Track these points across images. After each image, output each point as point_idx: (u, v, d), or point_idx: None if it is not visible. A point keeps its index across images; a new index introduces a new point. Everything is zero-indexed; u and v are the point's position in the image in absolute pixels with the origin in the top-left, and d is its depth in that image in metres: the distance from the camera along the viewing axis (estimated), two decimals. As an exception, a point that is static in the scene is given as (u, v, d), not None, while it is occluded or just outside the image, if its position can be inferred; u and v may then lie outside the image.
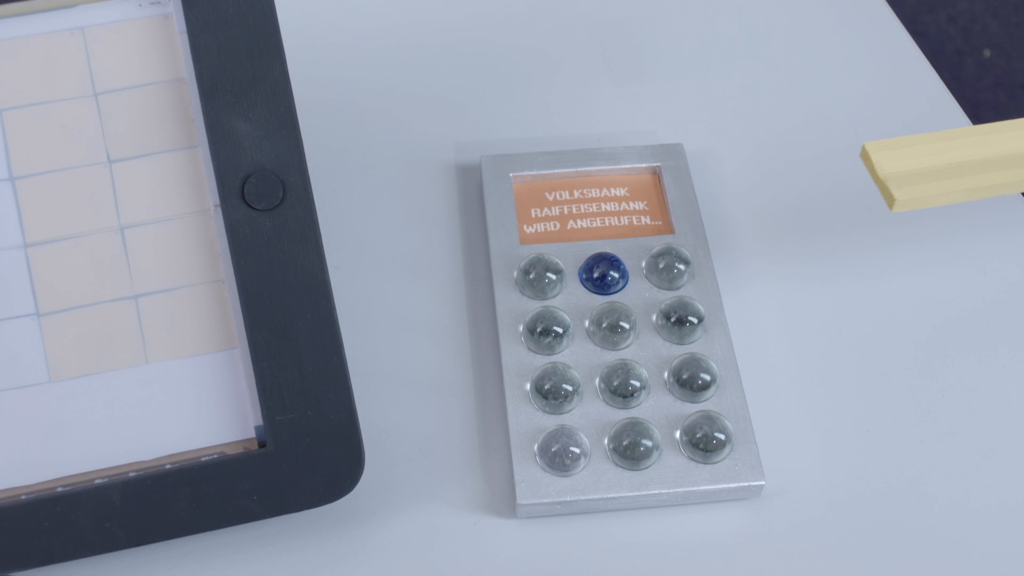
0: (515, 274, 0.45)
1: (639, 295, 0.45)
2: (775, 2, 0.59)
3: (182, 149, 0.40)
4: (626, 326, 0.43)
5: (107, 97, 0.40)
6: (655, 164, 0.49)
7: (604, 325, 0.43)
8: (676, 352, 0.43)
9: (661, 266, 0.45)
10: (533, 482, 0.40)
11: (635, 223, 0.48)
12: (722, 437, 0.40)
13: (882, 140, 0.43)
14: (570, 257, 0.46)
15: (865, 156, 0.43)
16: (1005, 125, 0.44)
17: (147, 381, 0.39)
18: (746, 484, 0.40)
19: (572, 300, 0.45)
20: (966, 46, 1.26)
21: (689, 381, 0.42)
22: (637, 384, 0.42)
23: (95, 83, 0.40)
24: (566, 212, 0.48)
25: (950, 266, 0.48)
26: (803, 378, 0.44)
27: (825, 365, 0.45)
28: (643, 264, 0.46)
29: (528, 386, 0.42)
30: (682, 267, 0.45)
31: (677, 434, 0.41)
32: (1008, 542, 0.40)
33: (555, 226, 0.47)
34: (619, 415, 0.42)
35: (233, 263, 0.39)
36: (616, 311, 0.44)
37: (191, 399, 0.39)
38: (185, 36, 0.40)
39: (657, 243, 0.46)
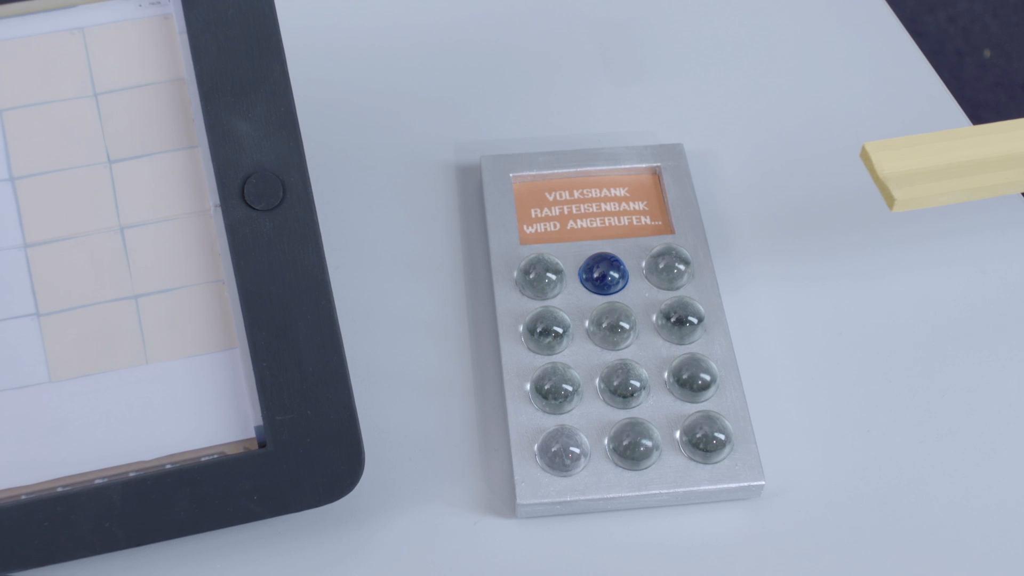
0: (515, 274, 0.45)
1: (639, 295, 0.45)
2: (775, 2, 0.59)
3: (182, 149, 0.40)
4: (626, 326, 0.43)
5: (107, 97, 0.40)
6: (655, 164, 0.49)
7: (604, 325, 0.43)
8: (676, 352, 0.43)
9: (661, 266, 0.45)
10: (533, 482, 0.40)
11: (635, 223, 0.48)
12: (722, 437, 0.40)
13: (882, 140, 0.43)
14: (570, 257, 0.46)
15: (865, 156, 0.43)
16: (1005, 125, 0.44)
17: (147, 381, 0.39)
18: (746, 484, 0.40)
19: (572, 300, 0.45)
20: (966, 46, 1.26)
21: (689, 381, 0.42)
22: (637, 384, 0.42)
23: (95, 83, 0.40)
24: (566, 212, 0.48)
25: (950, 266, 0.48)
26: (803, 378, 0.44)
27: (825, 365, 0.45)
28: (643, 264, 0.46)
29: (528, 386, 0.42)
30: (682, 267, 0.45)
31: (677, 434, 0.41)
32: (1008, 542, 0.40)
33: (555, 226, 0.47)
34: (619, 415, 0.42)
35: (233, 263, 0.39)
36: (616, 311, 0.44)
37: (191, 399, 0.39)
38: (185, 36, 0.40)
39: (657, 243, 0.46)
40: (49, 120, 0.39)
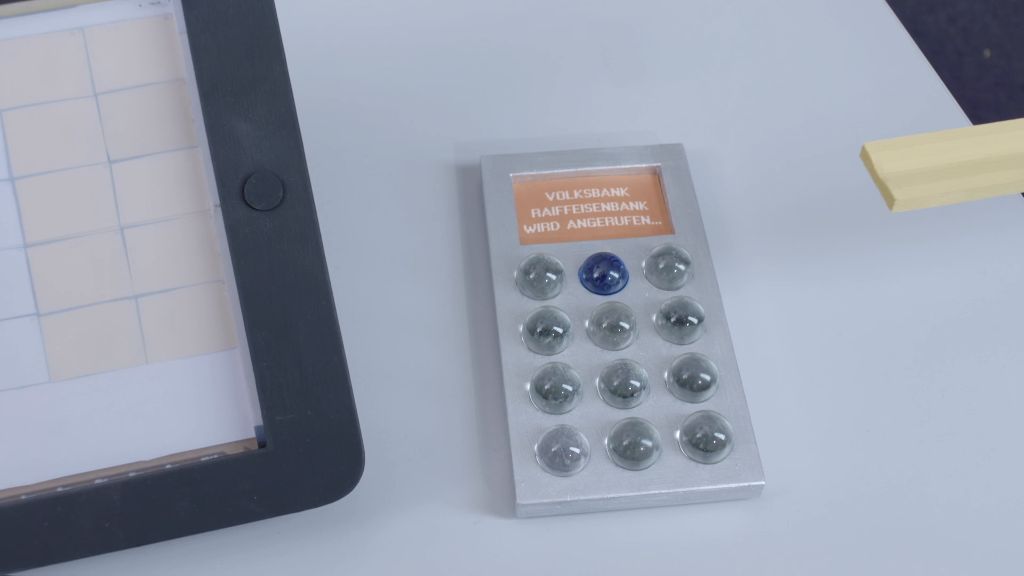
0: (515, 274, 0.45)
1: (639, 295, 0.45)
2: (775, 2, 0.59)
3: (182, 149, 0.40)
4: (626, 326, 0.43)
5: (107, 97, 0.40)
6: (655, 164, 0.49)
7: (604, 325, 0.43)
8: (676, 352, 0.43)
9: (661, 266, 0.45)
10: (533, 482, 0.40)
11: (635, 223, 0.48)
12: (722, 437, 0.40)
13: (882, 140, 0.43)
14: (570, 257, 0.46)
15: (865, 156, 0.43)
16: (1005, 125, 0.44)
17: (147, 381, 0.39)
18: (746, 484, 0.40)
19: (572, 300, 0.45)
20: (966, 46, 1.26)
21: (689, 381, 0.42)
22: (637, 384, 0.42)
23: (95, 83, 0.40)
24: (566, 212, 0.48)
25: (950, 266, 0.48)
26: (803, 378, 0.44)
27: (825, 365, 0.45)
28: (643, 264, 0.46)
29: (528, 386, 0.42)
30: (682, 267, 0.45)
31: (677, 434, 0.41)
32: (1008, 542, 0.40)
33: (555, 226, 0.47)
34: (619, 415, 0.42)
35: (233, 263, 0.39)
36: (616, 311, 0.44)
37: (191, 399, 0.39)
38: (185, 36, 0.40)
39: (657, 243, 0.46)
40: (49, 120, 0.39)
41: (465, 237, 0.49)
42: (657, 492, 0.40)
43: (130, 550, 0.39)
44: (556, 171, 0.49)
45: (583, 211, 0.48)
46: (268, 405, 0.38)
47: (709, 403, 0.42)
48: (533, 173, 0.49)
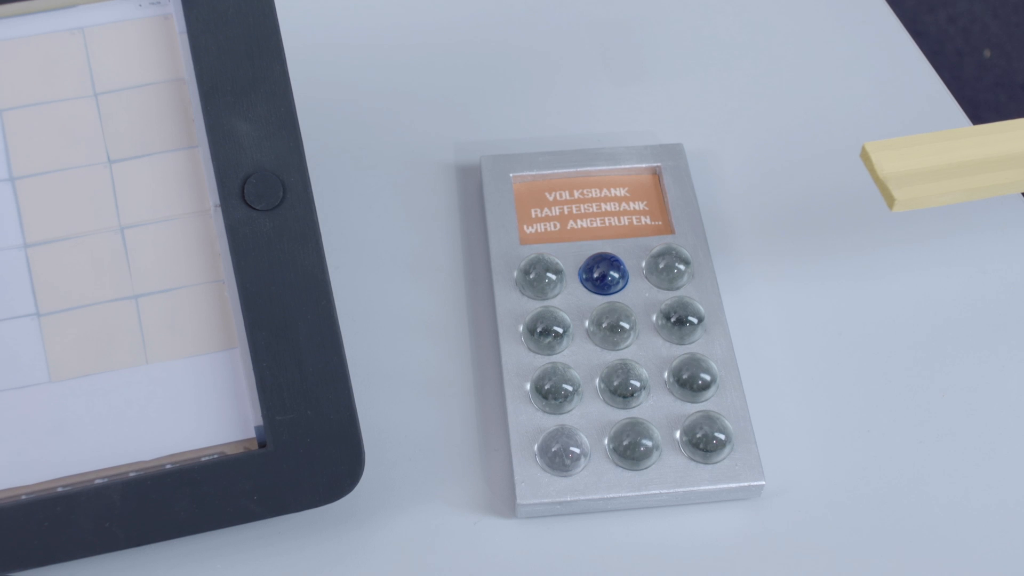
0: (515, 274, 0.45)
1: (639, 295, 0.45)
2: (775, 2, 0.59)
3: (182, 149, 0.40)
4: (626, 326, 0.43)
5: (107, 97, 0.40)
6: (655, 164, 0.49)
7: (604, 325, 0.43)
8: (676, 352, 0.43)
9: (661, 266, 0.45)
10: (533, 482, 0.40)
11: (635, 223, 0.48)
12: (722, 437, 0.40)
13: (882, 140, 0.43)
14: (570, 257, 0.46)
15: (865, 156, 0.43)
16: (1005, 125, 0.44)
17: (147, 381, 0.39)
18: (746, 484, 0.40)
19: (572, 300, 0.45)
20: (966, 46, 1.26)
21: (689, 381, 0.42)
22: (637, 384, 0.42)
23: (95, 83, 0.40)
24: (566, 212, 0.48)
25: (950, 266, 0.48)
26: (803, 378, 0.44)
27: (825, 365, 0.45)
28: (643, 264, 0.46)
29: (528, 386, 0.42)
30: (682, 267, 0.45)
31: (677, 434, 0.41)
32: (1008, 542, 0.40)
33: (555, 226, 0.47)
34: (619, 415, 0.42)
35: (233, 263, 0.39)
36: (616, 311, 0.44)
37: (191, 399, 0.39)
38: (185, 36, 0.40)
39: (657, 243, 0.46)
40: (49, 120, 0.39)
41: (465, 237, 0.49)
42: (657, 492, 0.40)
43: (130, 550, 0.39)
44: (556, 171, 0.49)
45: (583, 211, 0.48)
46: (268, 405, 0.38)
47: (709, 403, 0.42)
48: (533, 173, 0.49)
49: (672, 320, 0.44)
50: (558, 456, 0.40)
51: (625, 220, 0.48)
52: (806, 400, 0.44)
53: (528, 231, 0.47)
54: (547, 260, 0.45)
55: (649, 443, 0.40)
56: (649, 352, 0.43)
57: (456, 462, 0.42)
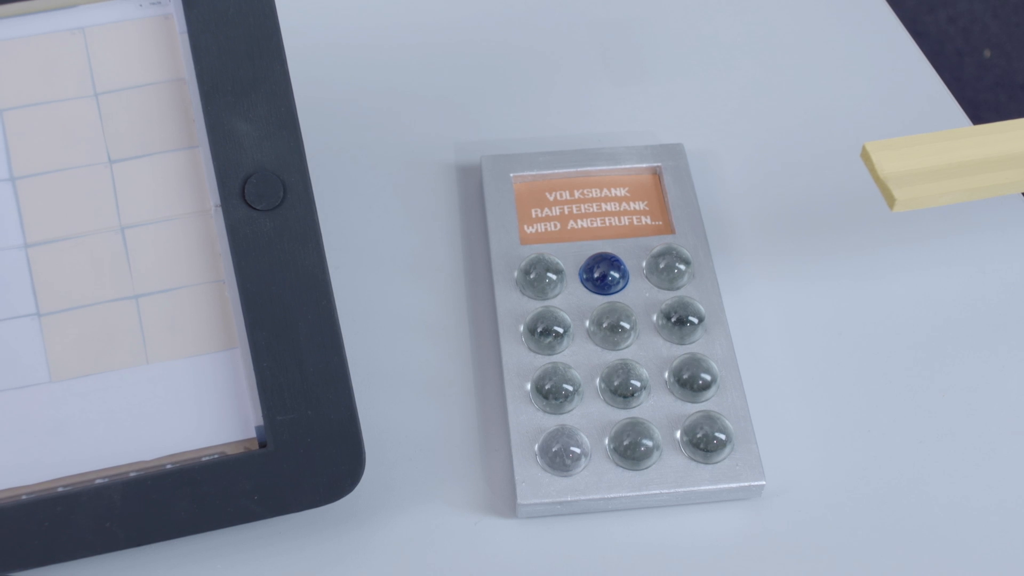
0: (515, 274, 0.45)
1: (639, 295, 0.45)
2: (775, 2, 0.59)
3: (182, 149, 0.40)
4: (626, 326, 0.43)
5: (107, 97, 0.40)
6: (655, 164, 0.49)
7: (604, 325, 0.43)
8: (676, 352, 0.43)
9: (661, 266, 0.45)
10: (533, 482, 0.40)
11: (635, 223, 0.48)
12: (722, 437, 0.40)
13: (882, 140, 0.43)
14: (570, 257, 0.46)
15: (865, 156, 0.43)
16: (1005, 125, 0.44)
17: (147, 381, 0.39)
18: (746, 484, 0.40)
19: (572, 300, 0.45)
20: (966, 46, 1.26)
21: (689, 381, 0.42)
22: (637, 384, 0.42)
23: (95, 83, 0.40)
24: (566, 212, 0.48)
25: (950, 266, 0.48)
26: (803, 378, 0.44)
27: (825, 365, 0.45)
28: (643, 264, 0.46)
29: (528, 386, 0.42)
30: (682, 267, 0.45)
31: (677, 434, 0.41)
32: (1008, 542, 0.40)
33: (555, 226, 0.47)
34: (619, 415, 0.42)
35: (233, 263, 0.39)
36: (616, 311, 0.44)
37: (191, 399, 0.39)
38: (185, 36, 0.40)
39: (657, 243, 0.46)
40: (49, 120, 0.39)
41: (465, 237, 0.49)
42: (657, 492, 0.40)
43: (130, 550, 0.39)
44: (556, 171, 0.49)
45: (583, 211, 0.48)
46: (268, 405, 0.38)
47: (709, 403, 0.42)
48: (533, 173, 0.49)
49: (672, 320, 0.44)
50: (559, 456, 0.40)
51: (625, 220, 0.48)
52: (806, 400, 0.44)
53: (528, 231, 0.47)
54: (547, 260, 0.45)
55: (649, 443, 0.40)
56: (649, 352, 0.43)
57: (456, 462, 0.42)
